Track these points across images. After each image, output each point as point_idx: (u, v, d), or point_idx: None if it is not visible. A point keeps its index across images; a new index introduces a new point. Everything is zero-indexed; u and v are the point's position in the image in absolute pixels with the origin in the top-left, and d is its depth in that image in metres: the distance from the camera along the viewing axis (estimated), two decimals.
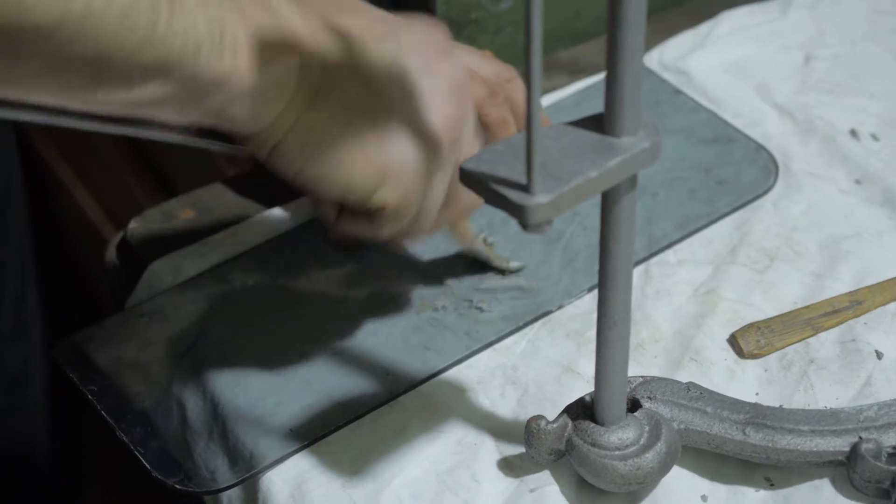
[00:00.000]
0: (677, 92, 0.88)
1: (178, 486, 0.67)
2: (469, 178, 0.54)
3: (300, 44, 0.57)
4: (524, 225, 0.53)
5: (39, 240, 1.01)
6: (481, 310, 0.75)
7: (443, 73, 0.62)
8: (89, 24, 0.49)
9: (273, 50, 0.56)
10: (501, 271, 0.77)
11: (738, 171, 0.83)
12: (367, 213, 0.63)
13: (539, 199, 0.52)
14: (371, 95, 0.59)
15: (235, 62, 0.55)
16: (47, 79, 0.51)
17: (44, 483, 1.03)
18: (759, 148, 0.84)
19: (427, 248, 0.79)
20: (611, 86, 0.53)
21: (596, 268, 0.60)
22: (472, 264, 0.78)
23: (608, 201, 0.57)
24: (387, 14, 0.62)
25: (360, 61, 0.59)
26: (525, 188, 0.52)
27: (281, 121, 0.58)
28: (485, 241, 0.77)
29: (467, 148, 0.64)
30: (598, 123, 0.55)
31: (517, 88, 0.80)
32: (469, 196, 0.65)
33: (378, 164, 0.60)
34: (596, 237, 0.59)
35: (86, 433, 1.12)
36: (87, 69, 0.51)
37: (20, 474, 1.01)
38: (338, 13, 0.59)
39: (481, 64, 0.79)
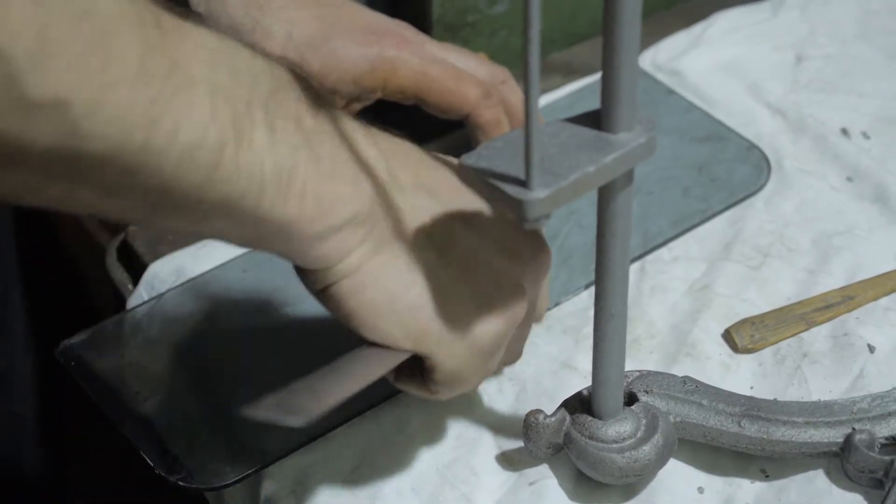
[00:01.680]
0: (670, 92, 0.89)
1: (180, 483, 0.68)
2: (467, 174, 0.55)
3: (372, 199, 0.57)
4: (522, 219, 0.53)
5: (28, 242, 1.01)
6: None
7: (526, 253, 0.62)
8: (149, 158, 0.48)
9: (342, 201, 0.55)
10: None
11: (730, 169, 0.84)
12: (421, 373, 0.62)
13: (537, 193, 0.53)
14: (440, 256, 0.59)
15: (302, 208, 0.54)
16: (107, 204, 0.50)
17: (30, 485, 1.03)
18: (752, 146, 0.85)
19: None
20: (607, 82, 0.54)
21: (592, 265, 0.61)
22: None
23: (605, 196, 0.58)
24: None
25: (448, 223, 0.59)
26: (523, 183, 0.53)
27: (342, 266, 0.57)
28: None
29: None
30: (595, 120, 0.56)
31: (511, 90, 0.81)
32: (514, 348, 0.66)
33: (420, 328, 0.59)
34: (592, 235, 0.60)
35: (73, 435, 1.12)
36: (147, 199, 0.50)
37: (5, 476, 1.01)
38: (421, 170, 0.60)
39: (476, 66, 0.81)
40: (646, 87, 0.89)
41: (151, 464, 0.68)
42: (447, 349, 0.60)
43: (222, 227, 0.54)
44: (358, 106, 0.79)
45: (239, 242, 0.56)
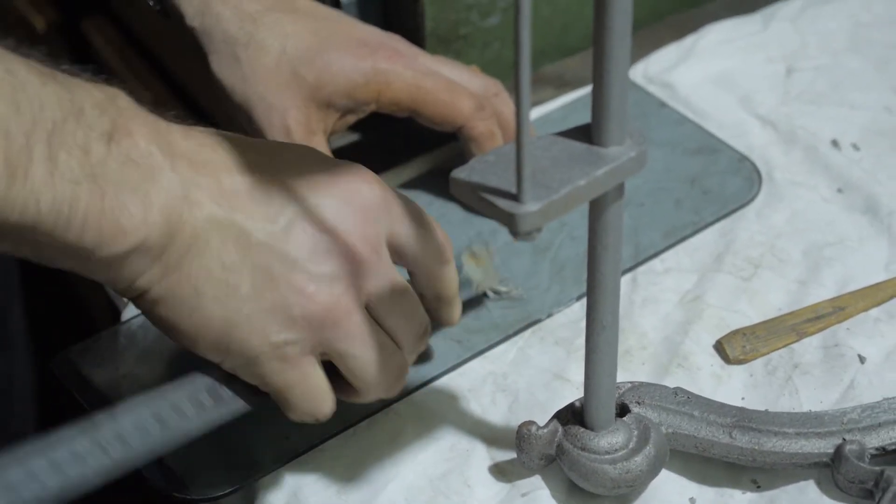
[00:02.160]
0: (662, 105, 0.90)
1: (175, 494, 0.68)
2: (459, 188, 0.55)
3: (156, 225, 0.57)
4: (514, 233, 0.54)
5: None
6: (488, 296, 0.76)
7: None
8: None
9: (126, 232, 0.56)
10: (488, 294, 0.78)
11: (722, 181, 0.84)
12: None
13: (529, 207, 0.53)
14: (233, 273, 0.59)
15: (82, 238, 0.55)
16: None
17: None
18: (743, 158, 0.85)
19: None
20: (597, 96, 0.55)
21: (584, 277, 0.62)
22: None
23: (596, 209, 0.58)
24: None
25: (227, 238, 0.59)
26: (515, 197, 0.53)
27: (133, 286, 0.59)
28: (474, 254, 0.78)
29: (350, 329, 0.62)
30: (586, 133, 0.56)
31: (504, 102, 0.81)
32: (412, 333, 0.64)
33: (220, 344, 0.60)
34: (584, 247, 0.61)
35: None
36: None
37: None
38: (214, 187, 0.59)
39: (469, 78, 0.81)
40: (637, 99, 0.90)
41: (147, 475, 0.69)
42: (247, 363, 0.61)
43: (6, 248, 0.55)
44: (352, 118, 0.79)
45: (35, 260, 0.57)
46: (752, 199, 0.83)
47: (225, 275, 0.59)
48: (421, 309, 0.65)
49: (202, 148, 0.60)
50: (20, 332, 1.00)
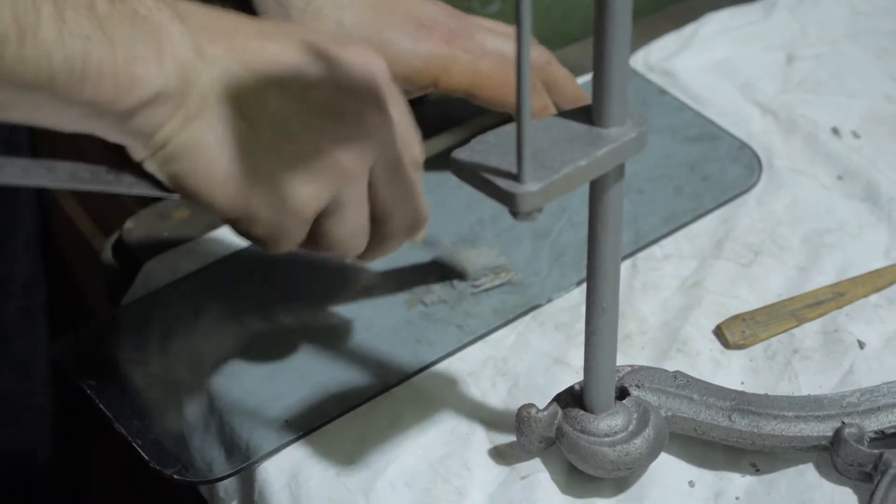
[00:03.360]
0: (662, 92, 0.90)
1: (175, 476, 0.68)
2: (460, 169, 0.56)
3: (175, 77, 0.57)
4: (514, 213, 0.54)
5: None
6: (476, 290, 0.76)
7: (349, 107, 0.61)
8: None
9: (142, 79, 0.56)
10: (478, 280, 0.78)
11: (722, 168, 0.84)
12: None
13: (529, 187, 0.53)
14: (252, 125, 0.59)
15: (99, 91, 0.55)
16: None
17: (46, 478, 1.03)
18: (743, 146, 0.85)
19: (415, 246, 0.80)
20: (598, 78, 0.55)
21: (584, 262, 0.62)
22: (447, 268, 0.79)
23: (596, 190, 0.58)
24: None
25: (250, 85, 0.59)
26: (516, 177, 0.54)
27: (153, 141, 0.58)
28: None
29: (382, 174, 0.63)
30: (587, 115, 0.57)
31: (557, 69, 0.80)
32: (404, 216, 0.65)
33: (240, 203, 0.60)
34: (584, 233, 0.61)
35: (88, 430, 1.12)
36: None
37: (21, 469, 1.01)
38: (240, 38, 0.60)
39: None
40: (638, 87, 0.90)
41: (147, 457, 0.69)
42: (260, 216, 0.61)
43: (23, 114, 0.55)
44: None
45: (50, 125, 0.57)
46: (752, 186, 0.83)
47: (245, 126, 0.59)
48: (421, 199, 0.66)
49: (211, 11, 0.60)
50: (43, 309, 1.00)
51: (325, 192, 0.61)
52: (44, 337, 0.99)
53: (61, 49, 0.53)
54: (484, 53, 0.78)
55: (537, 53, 0.80)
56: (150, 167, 0.60)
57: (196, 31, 0.58)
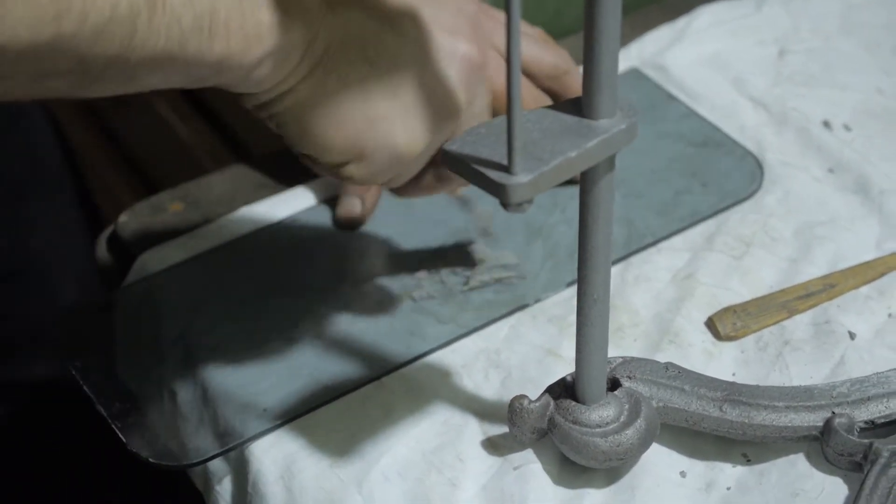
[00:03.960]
0: (671, 97, 0.89)
1: (151, 460, 0.68)
2: (451, 160, 0.56)
3: (303, 19, 0.58)
4: (505, 204, 0.54)
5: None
6: (468, 282, 0.77)
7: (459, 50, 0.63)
8: (63, 45, 0.49)
9: (270, 28, 0.57)
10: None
11: (724, 175, 0.84)
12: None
13: (520, 178, 0.54)
14: (373, 67, 0.60)
15: (229, 45, 0.55)
16: (35, 90, 0.52)
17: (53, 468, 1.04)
18: (746, 153, 0.85)
19: (412, 238, 0.81)
20: (588, 70, 0.55)
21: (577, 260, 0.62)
22: (457, 255, 0.79)
23: (587, 182, 0.59)
24: None
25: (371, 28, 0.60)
26: (506, 168, 0.54)
27: (278, 89, 0.59)
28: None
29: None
30: (577, 106, 0.57)
31: (575, 79, 0.79)
32: None
33: (356, 145, 0.61)
34: (577, 228, 0.61)
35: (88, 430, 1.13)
36: (70, 77, 0.52)
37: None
38: None
39: (541, 54, 0.79)
40: (646, 90, 0.90)
41: (124, 439, 0.69)
42: (370, 160, 0.62)
43: (154, 81, 0.55)
44: None
45: (179, 86, 0.57)
46: (752, 194, 0.82)
47: (366, 69, 0.60)
48: None
49: None
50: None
51: (440, 133, 0.62)
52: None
53: (190, 10, 0.53)
54: (503, 68, 0.77)
55: (554, 61, 0.79)
56: (262, 113, 0.61)
57: None
